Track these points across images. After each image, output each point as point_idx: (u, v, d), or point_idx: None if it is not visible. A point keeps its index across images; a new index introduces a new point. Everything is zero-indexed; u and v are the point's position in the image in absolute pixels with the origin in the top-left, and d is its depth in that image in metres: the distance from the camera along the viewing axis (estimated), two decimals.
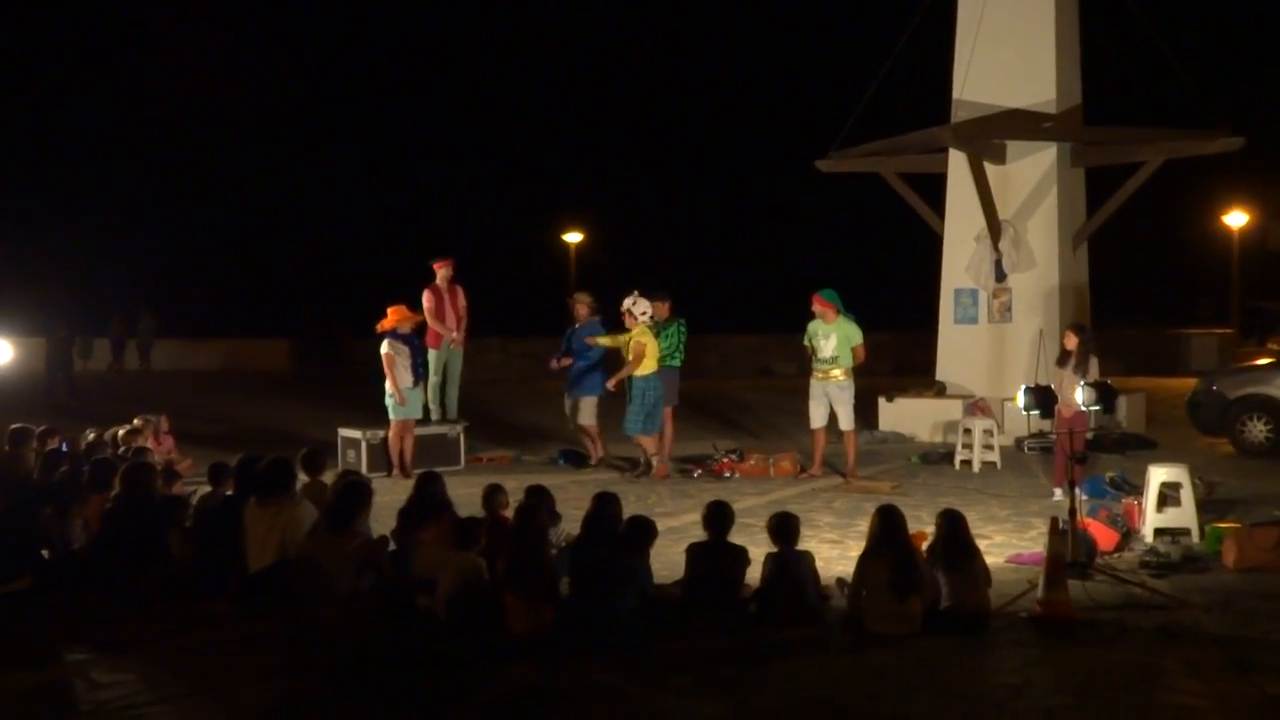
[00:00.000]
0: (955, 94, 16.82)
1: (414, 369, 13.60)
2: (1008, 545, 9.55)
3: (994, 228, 16.33)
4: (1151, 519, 9.52)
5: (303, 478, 9.07)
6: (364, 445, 13.60)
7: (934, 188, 17.47)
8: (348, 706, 6.15)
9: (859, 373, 13.07)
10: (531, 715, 6.01)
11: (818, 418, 13.00)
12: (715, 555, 7.39)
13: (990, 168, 16.30)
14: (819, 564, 7.64)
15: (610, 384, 13.40)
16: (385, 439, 13.55)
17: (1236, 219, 38.54)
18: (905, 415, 16.61)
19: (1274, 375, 14.93)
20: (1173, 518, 9.50)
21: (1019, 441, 14.62)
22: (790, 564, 7.33)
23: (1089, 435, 11.53)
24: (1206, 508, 9.96)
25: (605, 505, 7.93)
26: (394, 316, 13.62)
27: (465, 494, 10.01)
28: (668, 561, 8.26)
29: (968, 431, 14.00)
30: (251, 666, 6.64)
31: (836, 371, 12.79)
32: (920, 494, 11.96)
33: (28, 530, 8.55)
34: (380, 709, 6.09)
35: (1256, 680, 6.22)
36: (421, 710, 6.07)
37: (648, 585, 7.25)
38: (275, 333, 35.90)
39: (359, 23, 62.08)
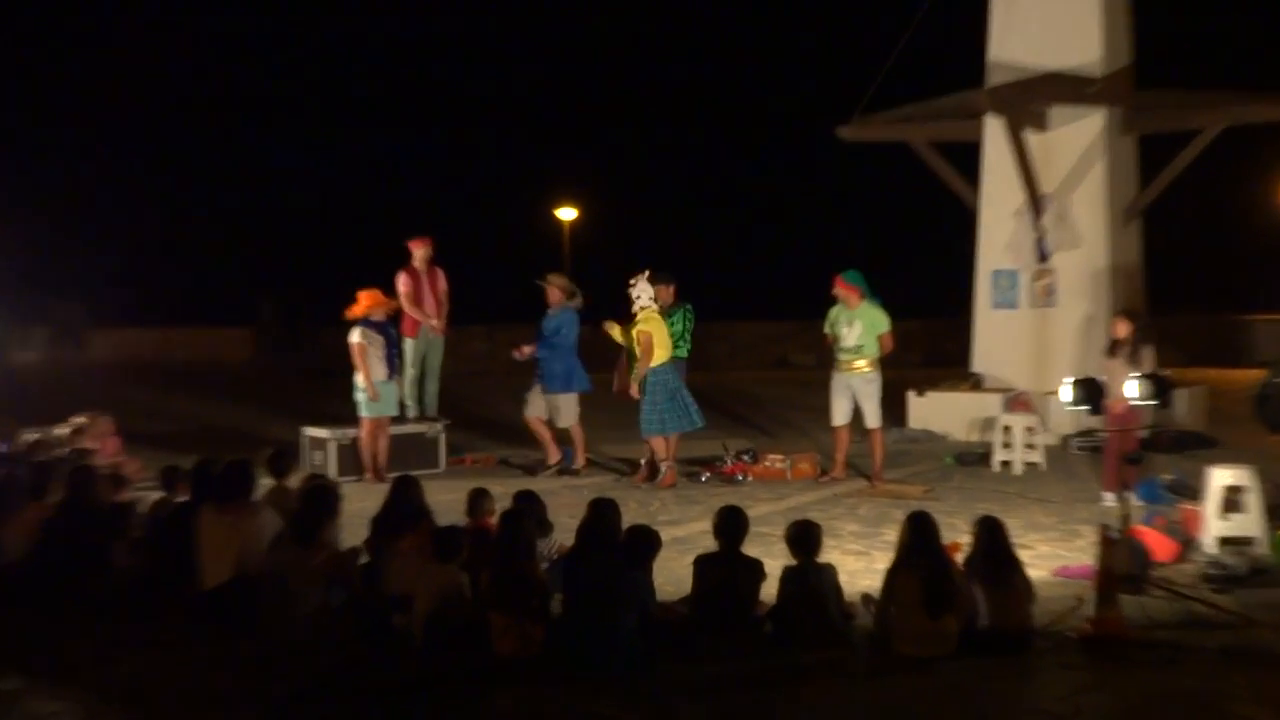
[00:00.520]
0: (991, 55, 16.79)
1: (388, 360, 13.57)
2: (1053, 556, 9.54)
3: (1035, 202, 16.32)
4: (1213, 527, 9.50)
5: (266, 482, 9.07)
6: (332, 446, 13.58)
7: (968, 158, 17.45)
8: None
9: (886, 364, 13.04)
10: None
11: (840, 414, 12.99)
12: (726, 568, 7.39)
13: (1031, 135, 16.29)
14: (843, 578, 7.63)
15: (631, 390, 12.97)
16: (356, 439, 13.54)
17: None
18: (937, 411, 16.60)
19: None
20: (1237, 525, 9.46)
21: (1065, 440, 14.62)
22: (810, 578, 7.33)
23: (1143, 434, 11.52)
24: (1275, 514, 9.93)
25: (603, 513, 7.89)
26: (366, 302, 13.57)
27: (446, 500, 10.01)
28: (673, 576, 8.27)
29: (1007, 429, 13.99)
30: (206, 694, 6.63)
31: (861, 362, 12.79)
32: (955, 499, 11.95)
33: None
34: None
35: None
36: None
37: (650, 602, 7.25)
38: (234, 320, 35.94)
39: None
